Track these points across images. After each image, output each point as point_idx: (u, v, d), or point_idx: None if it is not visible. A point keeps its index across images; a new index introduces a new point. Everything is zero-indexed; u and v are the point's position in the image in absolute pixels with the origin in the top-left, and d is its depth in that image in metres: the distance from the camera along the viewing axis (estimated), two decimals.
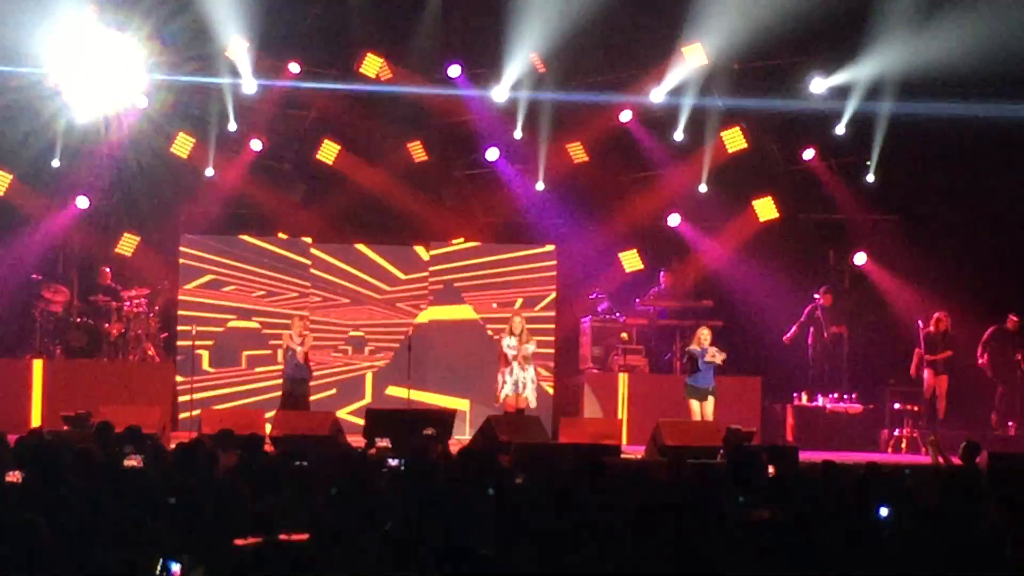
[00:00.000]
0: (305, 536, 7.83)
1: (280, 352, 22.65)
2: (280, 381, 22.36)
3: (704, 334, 21.44)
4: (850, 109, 24.41)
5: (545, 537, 7.82)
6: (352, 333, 24.96)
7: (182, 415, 23.38)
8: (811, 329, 24.66)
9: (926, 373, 23.60)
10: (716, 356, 21.12)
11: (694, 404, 21.13)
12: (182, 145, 24.60)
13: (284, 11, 24.30)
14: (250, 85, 24.39)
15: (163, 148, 24.53)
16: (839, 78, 24.22)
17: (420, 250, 25.21)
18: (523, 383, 21.37)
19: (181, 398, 23.49)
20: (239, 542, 7.61)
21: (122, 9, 23.35)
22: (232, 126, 24.83)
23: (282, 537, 7.71)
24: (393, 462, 18.37)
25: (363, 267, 25.03)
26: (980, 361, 23.93)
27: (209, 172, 24.75)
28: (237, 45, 24.01)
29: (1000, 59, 22.14)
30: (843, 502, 10.65)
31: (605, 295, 25.21)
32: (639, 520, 7.15)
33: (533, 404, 21.52)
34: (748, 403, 23.37)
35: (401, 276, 25.07)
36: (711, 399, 21.16)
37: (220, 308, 24.57)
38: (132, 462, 13.68)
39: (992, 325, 24.06)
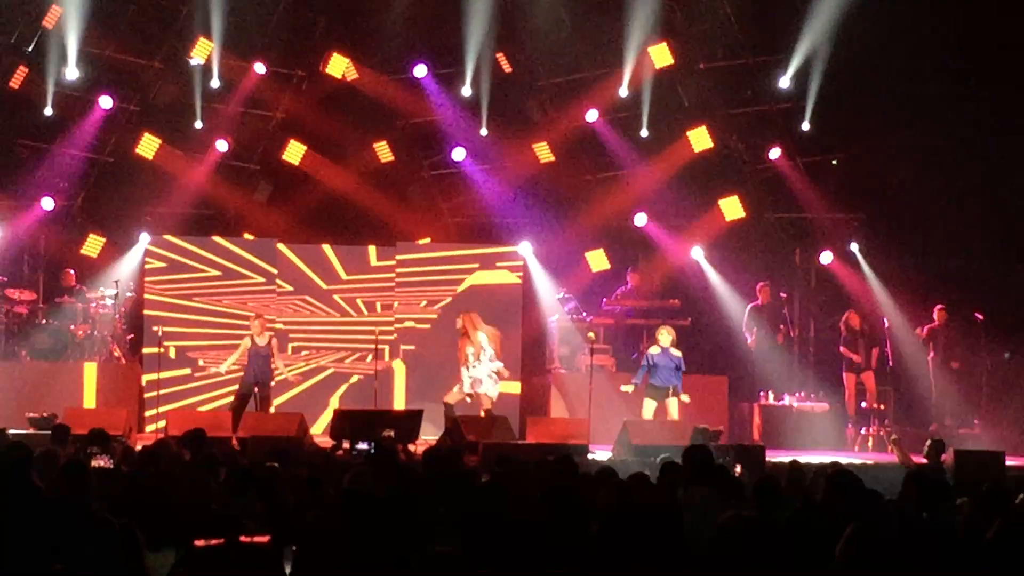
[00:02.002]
0: (267, 538, 7.79)
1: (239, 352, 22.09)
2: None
3: (663, 335, 21.46)
4: (813, 93, 24.48)
5: (511, 536, 7.81)
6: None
7: (148, 413, 23.28)
8: (754, 328, 24.71)
9: (844, 374, 23.86)
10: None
11: (648, 403, 21.19)
12: (147, 145, 24.54)
13: (249, 11, 24.27)
14: (215, 84, 24.45)
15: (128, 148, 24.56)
16: (798, 58, 24.27)
17: (372, 251, 25.22)
18: (480, 379, 21.35)
19: (147, 394, 23.38)
20: (200, 543, 7.57)
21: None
22: (198, 125, 24.85)
23: (243, 539, 7.67)
24: (362, 446, 18.44)
25: (317, 267, 25.02)
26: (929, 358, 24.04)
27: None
28: (202, 45, 24.01)
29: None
30: (810, 501, 10.67)
31: (572, 295, 25.19)
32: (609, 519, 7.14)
33: (494, 396, 21.54)
34: (715, 402, 23.39)
35: (343, 275, 25.05)
36: (674, 400, 21.15)
37: (186, 309, 24.47)
38: (100, 462, 13.64)
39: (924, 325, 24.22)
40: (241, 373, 21.89)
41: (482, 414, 21.26)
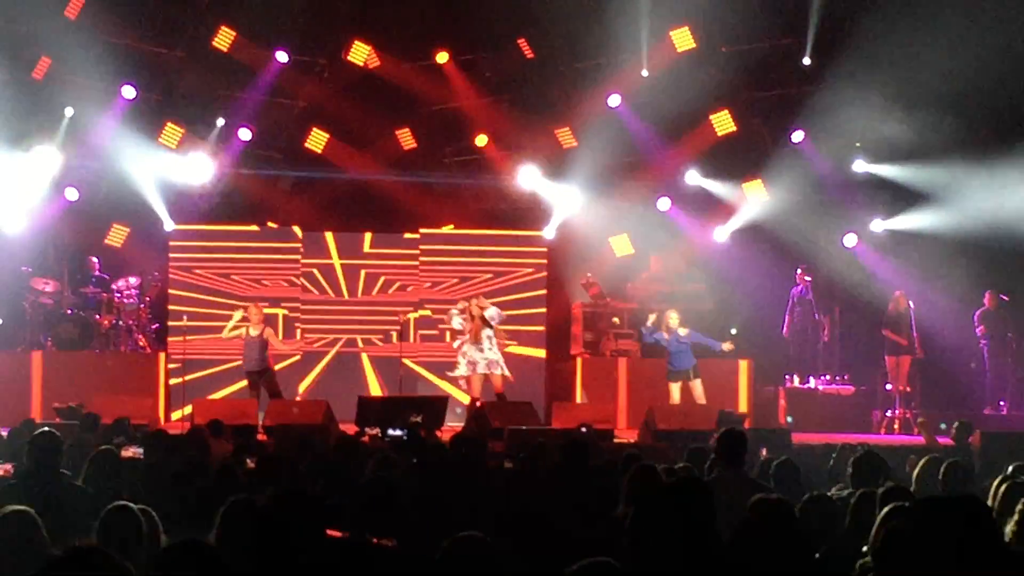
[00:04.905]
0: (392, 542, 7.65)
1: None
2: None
3: (673, 318, 21.53)
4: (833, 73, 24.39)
5: (531, 521, 7.81)
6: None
7: (174, 381, 23.34)
8: (797, 312, 24.64)
9: (887, 356, 23.66)
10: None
11: (673, 387, 21.28)
12: (171, 135, 24.56)
13: None
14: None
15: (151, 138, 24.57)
16: (816, 39, 24.17)
17: (368, 238, 25.48)
18: (491, 363, 21.42)
19: (173, 381, 23.45)
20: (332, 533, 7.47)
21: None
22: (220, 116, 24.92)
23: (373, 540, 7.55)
24: (396, 432, 18.42)
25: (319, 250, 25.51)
26: (982, 343, 23.82)
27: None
28: (224, 33, 24.04)
29: None
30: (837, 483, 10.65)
31: (596, 280, 25.18)
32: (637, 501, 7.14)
33: (508, 373, 21.57)
34: (740, 386, 23.40)
35: (336, 261, 25.28)
36: (697, 381, 21.26)
37: (210, 298, 24.54)
38: (130, 452, 13.68)
39: (976, 310, 24.00)
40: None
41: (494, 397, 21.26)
